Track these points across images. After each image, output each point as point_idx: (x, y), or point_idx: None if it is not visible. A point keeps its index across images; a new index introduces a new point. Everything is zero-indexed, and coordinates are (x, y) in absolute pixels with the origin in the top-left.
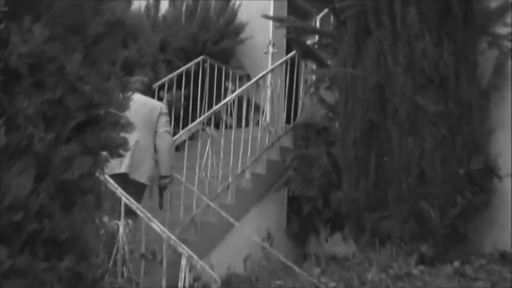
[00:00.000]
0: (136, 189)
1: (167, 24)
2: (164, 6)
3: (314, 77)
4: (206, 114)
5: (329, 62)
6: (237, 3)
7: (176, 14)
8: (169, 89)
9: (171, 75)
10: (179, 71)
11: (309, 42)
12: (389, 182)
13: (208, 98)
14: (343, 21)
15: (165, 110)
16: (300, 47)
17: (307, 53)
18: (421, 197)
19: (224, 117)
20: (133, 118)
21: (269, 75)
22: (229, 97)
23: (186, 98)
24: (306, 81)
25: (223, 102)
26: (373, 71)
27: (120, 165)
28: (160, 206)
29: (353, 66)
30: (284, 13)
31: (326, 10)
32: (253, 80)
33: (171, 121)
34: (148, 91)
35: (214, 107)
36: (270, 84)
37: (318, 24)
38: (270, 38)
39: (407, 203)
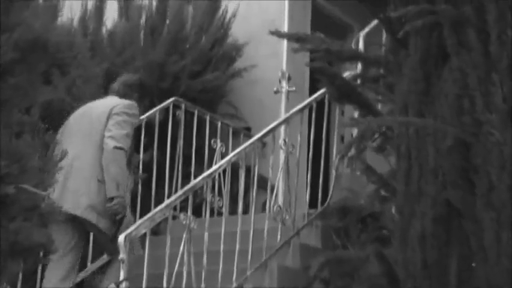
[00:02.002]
0: (91, 229)
1: (116, 45)
2: (111, 15)
3: (356, 132)
4: (180, 192)
5: (380, 107)
6: (230, 11)
7: (131, 29)
8: None
9: None
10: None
11: (347, 74)
12: None
13: (183, 166)
14: (403, 40)
15: (120, 108)
16: (333, 82)
17: (345, 93)
18: None
19: (209, 198)
20: (72, 128)
21: (282, 129)
22: (218, 164)
23: (147, 166)
24: (342, 138)
25: (207, 172)
26: (452, 120)
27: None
28: (113, 235)
29: (419, 112)
30: (307, 28)
31: (374, 23)
32: (257, 136)
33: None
34: (131, 93)
35: (193, 181)
36: (284, 143)
37: (361, 46)
38: (284, 69)
39: None
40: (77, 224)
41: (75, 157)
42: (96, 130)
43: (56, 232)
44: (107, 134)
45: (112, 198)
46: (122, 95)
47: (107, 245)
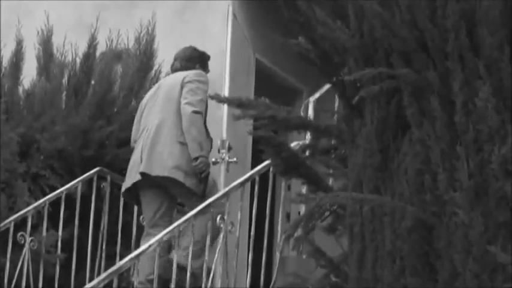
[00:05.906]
0: (176, 190)
1: (34, 107)
2: (29, 74)
3: (303, 209)
4: (103, 275)
5: (331, 182)
6: (164, 71)
7: (51, 89)
8: (35, 228)
9: (38, 203)
10: (54, 194)
11: (294, 145)
12: None
13: (108, 245)
14: (358, 107)
15: (192, 77)
16: (278, 153)
17: (292, 165)
18: None
19: (136, 282)
20: (150, 103)
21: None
22: (147, 244)
23: (67, 245)
24: (288, 215)
25: (135, 253)
26: (412, 199)
27: (139, 166)
28: (202, 194)
29: (375, 189)
30: (250, 92)
31: (326, 87)
32: (192, 212)
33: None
34: (193, 65)
35: (119, 263)
36: (223, 220)
37: (311, 113)
38: (224, 137)
39: None
40: (163, 192)
41: (158, 126)
42: (172, 99)
43: (146, 201)
44: (183, 101)
45: (196, 158)
46: (186, 69)
47: (194, 206)
